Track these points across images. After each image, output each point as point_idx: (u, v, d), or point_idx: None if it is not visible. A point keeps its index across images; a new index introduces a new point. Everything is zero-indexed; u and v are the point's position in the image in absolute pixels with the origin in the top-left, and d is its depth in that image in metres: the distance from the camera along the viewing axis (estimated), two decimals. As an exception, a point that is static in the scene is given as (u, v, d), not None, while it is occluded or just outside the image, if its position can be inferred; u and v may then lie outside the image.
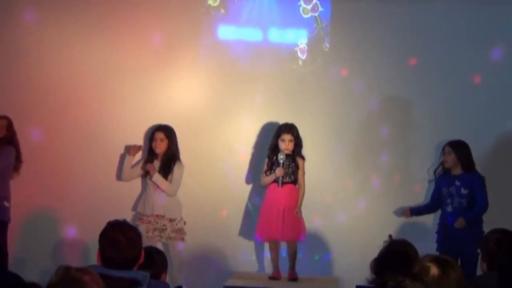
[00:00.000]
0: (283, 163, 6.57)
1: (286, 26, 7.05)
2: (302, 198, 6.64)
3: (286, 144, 6.63)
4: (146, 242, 5.74)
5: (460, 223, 6.19)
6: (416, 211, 6.65)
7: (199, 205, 6.93)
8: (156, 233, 6.51)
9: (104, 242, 3.65)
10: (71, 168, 6.86)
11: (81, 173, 6.86)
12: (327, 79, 7.06)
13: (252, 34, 7.03)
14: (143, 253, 3.77)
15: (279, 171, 6.56)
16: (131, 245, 3.63)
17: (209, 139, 7.00)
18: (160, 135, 6.55)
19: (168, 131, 6.57)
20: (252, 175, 7.02)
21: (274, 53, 7.01)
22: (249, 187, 7.07)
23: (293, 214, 6.56)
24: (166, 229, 6.52)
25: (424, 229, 6.87)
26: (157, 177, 6.48)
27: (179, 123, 6.80)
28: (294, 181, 6.65)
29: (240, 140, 7.01)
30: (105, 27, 6.83)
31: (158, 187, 6.50)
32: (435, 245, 6.53)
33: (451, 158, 6.49)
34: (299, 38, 7.07)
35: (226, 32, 7.04)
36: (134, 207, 6.73)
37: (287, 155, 6.60)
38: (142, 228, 6.40)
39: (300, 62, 7.03)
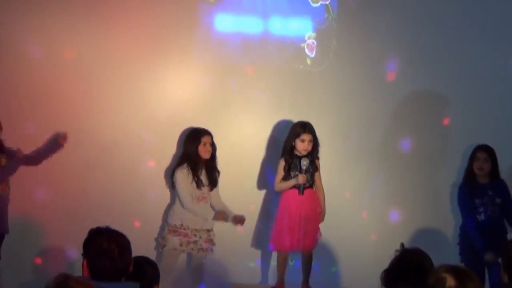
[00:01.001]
0: (306, 170, 6.27)
1: (291, 15, 6.77)
2: (324, 201, 6.44)
3: (306, 145, 6.33)
4: (173, 255, 6.22)
5: (491, 258, 5.93)
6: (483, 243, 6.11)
7: None
8: (190, 246, 6.29)
9: (91, 251, 3.50)
10: (55, 172, 6.51)
11: (67, 175, 6.54)
12: (337, 75, 6.84)
13: (252, 25, 6.74)
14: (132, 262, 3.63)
15: (302, 178, 6.26)
16: (123, 253, 3.51)
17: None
18: (209, 139, 6.30)
19: (212, 135, 6.32)
20: (260, 178, 6.79)
21: (278, 46, 6.75)
22: (251, 192, 6.83)
23: (314, 221, 6.34)
24: (198, 240, 6.30)
25: (440, 236, 6.74)
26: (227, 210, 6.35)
27: (172, 123, 6.56)
28: (312, 185, 6.41)
29: (239, 141, 6.73)
30: (91, 17, 6.51)
31: (203, 199, 6.28)
32: (451, 254, 6.30)
33: (488, 166, 6.19)
34: (307, 31, 6.79)
35: (223, 23, 6.75)
36: (165, 218, 6.46)
37: (304, 157, 6.32)
38: (176, 240, 6.27)
39: (309, 61, 6.78)
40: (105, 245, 3.46)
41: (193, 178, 6.23)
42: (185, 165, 6.23)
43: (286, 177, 6.37)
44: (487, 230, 6.09)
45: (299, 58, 6.77)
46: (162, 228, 6.47)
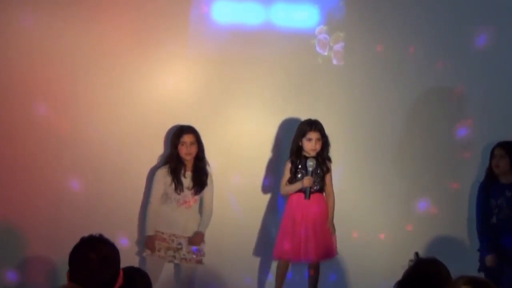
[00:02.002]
0: (312, 171, 6.01)
1: (297, 2, 6.51)
2: (333, 209, 6.17)
3: (313, 144, 6.07)
4: (153, 262, 5.92)
5: (491, 262, 5.84)
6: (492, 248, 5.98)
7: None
8: (170, 252, 6.04)
9: (73, 261, 3.40)
10: (38, 174, 6.22)
11: (50, 178, 6.25)
12: (348, 68, 6.57)
13: (253, 14, 6.45)
14: (121, 273, 3.48)
15: (307, 181, 5.99)
16: (104, 264, 3.36)
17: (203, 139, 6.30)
18: (190, 138, 6.02)
19: (197, 133, 6.08)
20: (268, 181, 6.53)
21: (282, 38, 6.46)
22: (257, 196, 6.57)
23: (323, 231, 6.09)
24: (181, 248, 6.04)
25: (458, 245, 6.53)
26: (204, 229, 6.10)
27: (165, 122, 6.29)
28: (321, 189, 6.16)
29: (240, 141, 6.47)
30: (73, 3, 6.18)
31: (184, 203, 6.04)
32: (471, 264, 6.07)
33: (504, 163, 5.99)
34: (315, 21, 6.53)
35: (221, 11, 6.46)
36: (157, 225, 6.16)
37: (312, 157, 6.06)
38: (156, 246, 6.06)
39: (320, 60, 6.55)
40: (86, 255, 3.35)
41: (172, 180, 6.02)
42: (167, 165, 6.05)
43: (292, 180, 6.14)
44: (500, 233, 5.94)
45: (305, 51, 6.52)
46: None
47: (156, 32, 6.30)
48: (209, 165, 6.12)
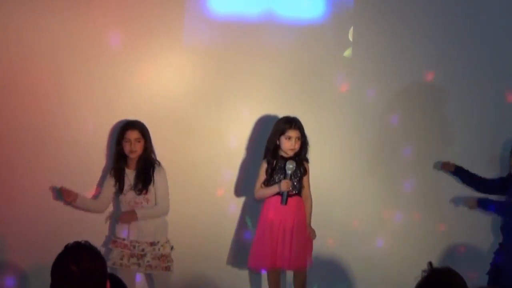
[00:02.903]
0: (291, 175, 5.80)
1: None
2: (311, 212, 5.96)
3: (292, 143, 5.85)
4: (123, 273, 5.56)
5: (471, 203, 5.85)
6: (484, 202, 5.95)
7: (184, 224, 6.16)
8: (133, 260, 5.77)
9: (55, 273, 3.23)
10: (14, 177, 5.98)
11: (28, 183, 6.00)
12: (356, 63, 6.38)
13: (253, 4, 6.27)
14: (108, 285, 3.31)
15: (285, 185, 5.79)
16: (87, 278, 3.18)
17: (196, 139, 6.22)
18: (134, 134, 5.78)
19: (143, 129, 5.84)
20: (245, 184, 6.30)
21: (284, 29, 6.26)
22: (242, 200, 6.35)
23: (303, 235, 5.87)
24: (145, 255, 5.78)
25: (476, 253, 6.37)
26: (142, 215, 5.79)
27: (157, 120, 6.04)
28: (299, 192, 5.94)
29: (237, 141, 6.28)
30: None
31: (136, 204, 5.81)
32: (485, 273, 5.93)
33: None
34: (320, 11, 6.33)
35: (219, 0, 6.26)
36: (111, 229, 6.00)
37: (291, 158, 5.85)
38: (115, 254, 5.79)
39: (326, 52, 6.32)
40: (67, 268, 3.18)
41: (115, 181, 5.84)
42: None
43: (268, 182, 5.92)
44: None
45: (310, 42, 6.32)
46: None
47: (148, 23, 6.09)
48: (159, 163, 5.87)
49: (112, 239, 5.85)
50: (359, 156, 6.42)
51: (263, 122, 6.28)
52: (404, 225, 6.43)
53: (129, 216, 5.73)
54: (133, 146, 5.75)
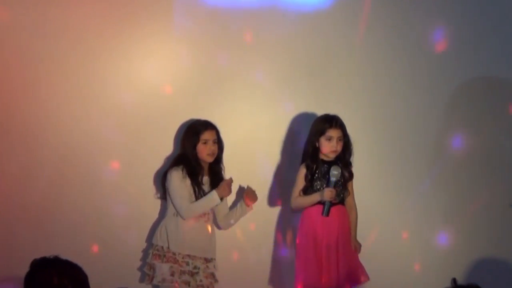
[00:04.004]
0: (335, 183, 5.41)
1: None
2: (356, 224, 5.61)
3: (334, 144, 5.46)
4: None
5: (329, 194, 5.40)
6: None
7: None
8: (185, 277, 5.38)
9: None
10: None
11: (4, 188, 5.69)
12: (368, 52, 5.98)
13: None
14: None
15: (329, 194, 5.35)
16: None
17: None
18: (213, 135, 5.47)
19: (218, 129, 5.56)
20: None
21: (287, 12, 5.88)
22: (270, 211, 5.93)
23: (350, 249, 5.52)
24: (198, 272, 5.42)
25: (504, 268, 6.10)
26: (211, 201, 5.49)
27: (143, 113, 5.69)
28: (342, 200, 5.57)
29: (237, 142, 5.79)
30: None
31: (203, 215, 5.49)
32: None
33: None
34: None
35: None
36: (149, 237, 5.65)
37: (333, 162, 5.46)
38: (162, 269, 5.37)
39: (335, 43, 5.92)
40: (55, 281, 3.14)
41: (192, 186, 5.45)
42: (181, 166, 5.46)
43: (307, 190, 5.50)
44: None
45: (316, 32, 5.93)
46: (146, 253, 5.67)
47: (134, 6, 5.69)
48: (224, 168, 5.62)
49: (154, 252, 5.42)
50: (380, 157, 6.04)
51: (267, 120, 5.90)
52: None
53: (228, 188, 5.40)
54: (213, 149, 5.43)
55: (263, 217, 5.83)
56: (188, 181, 5.41)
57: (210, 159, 5.44)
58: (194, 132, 5.45)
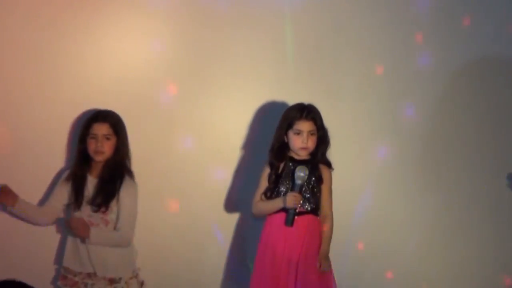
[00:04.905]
0: (301, 186, 4.69)
1: None
2: (330, 238, 4.82)
3: (304, 139, 4.74)
4: None
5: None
6: None
7: (159, 250, 5.20)
8: None
9: None
10: None
11: None
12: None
13: None
14: None
15: (291, 199, 4.66)
16: None
17: (175, 136, 5.16)
18: (104, 129, 4.76)
19: (116, 123, 4.84)
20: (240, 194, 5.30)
21: None
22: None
23: (313, 269, 4.75)
24: None
25: None
26: (96, 236, 4.70)
27: (110, 102, 4.91)
28: (315, 209, 4.80)
29: (223, 134, 5.24)
30: None
31: (92, 225, 4.74)
32: None
33: None
34: None
35: None
36: (57, 259, 5.01)
37: (303, 162, 4.76)
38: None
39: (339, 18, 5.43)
40: None
41: (72, 190, 4.77)
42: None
43: (271, 193, 4.81)
44: None
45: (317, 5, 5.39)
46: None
47: None
48: (131, 174, 4.84)
49: (61, 274, 4.83)
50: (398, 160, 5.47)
51: (267, 111, 5.22)
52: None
53: (82, 227, 4.63)
54: (101, 145, 4.70)
55: (219, 224, 5.27)
56: (68, 186, 4.78)
57: (98, 158, 4.73)
58: (84, 123, 4.79)
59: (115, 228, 4.71)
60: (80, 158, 4.78)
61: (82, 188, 4.73)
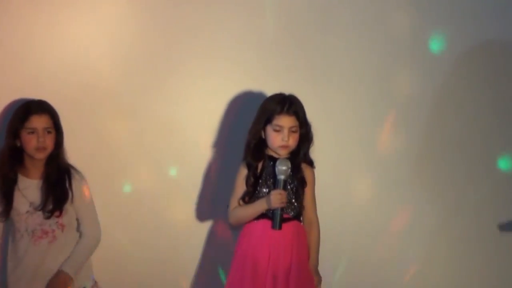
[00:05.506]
0: (285, 183, 4.28)
1: None
2: (319, 245, 4.49)
3: (284, 136, 4.35)
4: None
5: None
6: None
7: (119, 258, 4.91)
8: None
9: None
10: None
11: None
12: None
13: None
14: None
15: (277, 197, 4.25)
16: None
17: (136, 133, 4.84)
18: (44, 121, 4.39)
19: (54, 113, 4.46)
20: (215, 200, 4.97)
21: None
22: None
23: (308, 282, 4.40)
24: None
25: None
26: (75, 266, 4.40)
27: (71, 100, 4.73)
28: (298, 214, 4.43)
29: (197, 130, 4.92)
30: None
31: (44, 234, 4.38)
32: None
33: None
34: None
35: None
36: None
37: (286, 158, 4.42)
38: None
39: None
40: None
41: (2, 195, 4.40)
42: None
43: (249, 198, 4.39)
44: None
45: None
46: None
47: None
48: (74, 168, 4.48)
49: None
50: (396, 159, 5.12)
51: (243, 102, 4.90)
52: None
53: (62, 281, 4.33)
54: (42, 140, 4.33)
55: (189, 234, 4.93)
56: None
57: (39, 155, 4.37)
58: (18, 115, 4.39)
59: (78, 230, 4.42)
60: (9, 156, 4.37)
61: (12, 193, 4.35)
